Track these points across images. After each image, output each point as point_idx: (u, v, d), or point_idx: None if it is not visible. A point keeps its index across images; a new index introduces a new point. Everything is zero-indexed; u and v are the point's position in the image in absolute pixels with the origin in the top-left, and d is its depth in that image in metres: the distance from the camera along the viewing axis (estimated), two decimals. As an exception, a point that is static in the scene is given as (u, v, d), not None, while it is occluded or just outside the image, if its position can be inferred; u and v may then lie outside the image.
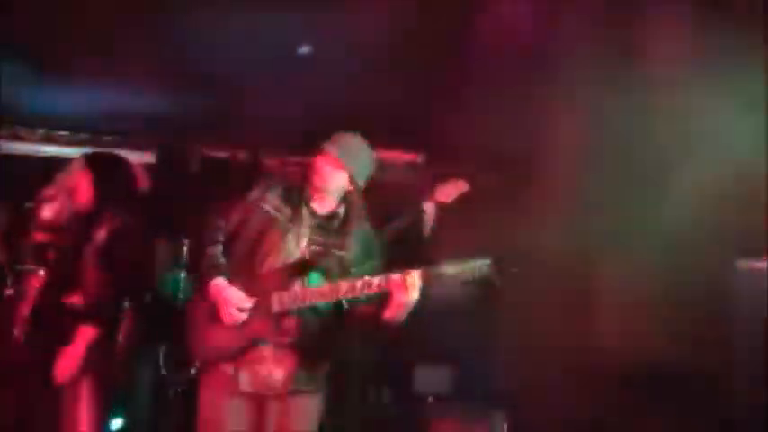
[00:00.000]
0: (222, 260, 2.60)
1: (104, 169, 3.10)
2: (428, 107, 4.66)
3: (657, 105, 3.65)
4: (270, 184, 2.68)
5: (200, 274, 2.59)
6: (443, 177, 3.56)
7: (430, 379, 4.73)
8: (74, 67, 4.65)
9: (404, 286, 2.34)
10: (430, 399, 4.64)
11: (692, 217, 3.52)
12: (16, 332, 2.91)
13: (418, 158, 5.84)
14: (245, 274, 2.57)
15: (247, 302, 2.51)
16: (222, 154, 6.00)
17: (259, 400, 2.56)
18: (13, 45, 4.33)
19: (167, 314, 4.51)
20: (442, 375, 4.76)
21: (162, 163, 5.92)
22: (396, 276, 2.37)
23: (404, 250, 2.47)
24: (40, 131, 5.86)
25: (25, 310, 2.94)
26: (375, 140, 2.75)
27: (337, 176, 2.61)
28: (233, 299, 2.51)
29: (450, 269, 2.36)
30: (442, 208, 3.57)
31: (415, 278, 2.34)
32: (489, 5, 3.62)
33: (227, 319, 2.51)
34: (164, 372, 2.53)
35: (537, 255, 4.36)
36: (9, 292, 3.08)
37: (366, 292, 2.42)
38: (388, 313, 2.39)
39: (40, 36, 4.17)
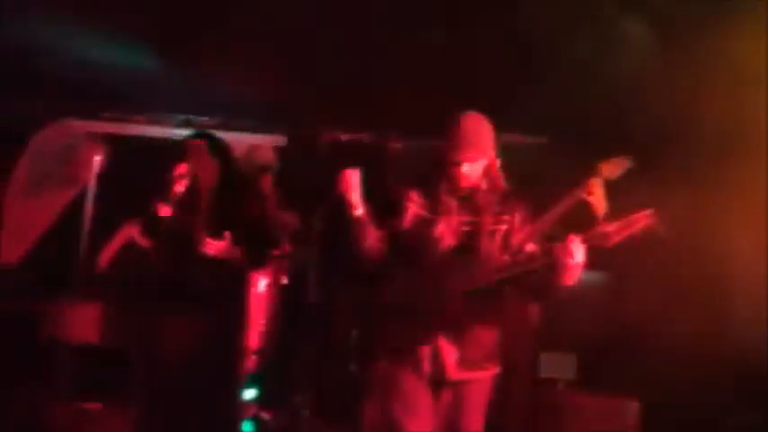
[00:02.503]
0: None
1: (225, 148, 3.26)
2: (552, 89, 4.56)
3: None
4: (407, 186, 2.77)
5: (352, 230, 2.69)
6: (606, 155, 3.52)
7: (556, 365, 4.66)
8: (209, 54, 4.85)
9: (567, 252, 2.37)
10: (560, 385, 4.57)
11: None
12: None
13: (543, 141, 5.72)
14: (411, 272, 2.66)
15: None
16: (350, 137, 6.13)
17: (435, 387, 2.66)
18: (149, 36, 4.59)
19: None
20: (569, 362, 4.67)
21: (292, 147, 6.12)
22: (558, 244, 2.41)
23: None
24: (180, 117, 6.18)
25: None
26: (499, 123, 2.74)
27: (474, 169, 2.64)
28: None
29: (611, 227, 2.39)
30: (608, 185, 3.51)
31: (577, 243, 2.38)
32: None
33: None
34: (354, 369, 2.68)
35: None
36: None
37: (530, 265, 2.48)
38: (556, 280, 2.44)
39: (175, 26, 4.39)
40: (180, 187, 3.00)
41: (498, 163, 2.74)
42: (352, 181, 2.69)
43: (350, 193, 2.68)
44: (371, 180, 6.12)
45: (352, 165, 5.93)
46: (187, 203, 3.08)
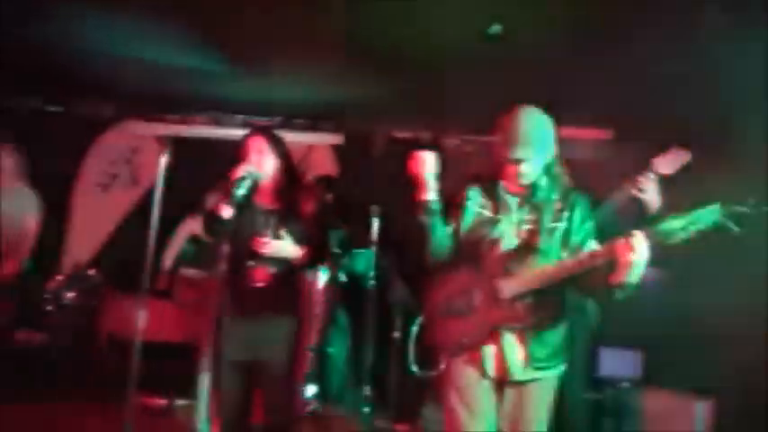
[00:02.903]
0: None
1: (284, 146, 3.27)
2: (616, 83, 4.47)
3: None
4: (466, 185, 2.72)
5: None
6: (663, 149, 3.38)
7: (619, 362, 4.56)
8: (267, 55, 4.91)
9: (630, 249, 2.32)
10: (625, 384, 4.47)
11: None
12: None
13: (607, 135, 5.61)
14: (471, 271, 2.64)
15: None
16: (406, 135, 6.13)
17: (499, 386, 2.65)
18: (211, 39, 4.67)
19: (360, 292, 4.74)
20: (634, 359, 4.56)
21: (349, 145, 6.15)
22: (620, 241, 2.36)
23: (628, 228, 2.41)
24: (239, 117, 6.27)
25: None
26: (563, 119, 2.69)
27: (530, 167, 2.60)
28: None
29: (676, 223, 2.33)
30: (664, 181, 3.38)
31: (640, 239, 2.32)
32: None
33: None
34: (415, 369, 2.67)
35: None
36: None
37: (592, 263, 2.43)
38: (618, 277, 2.38)
39: (235, 29, 4.45)
40: (241, 190, 3.02)
41: (559, 159, 2.69)
42: (427, 161, 2.60)
43: (423, 174, 2.59)
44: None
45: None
46: (247, 203, 3.11)
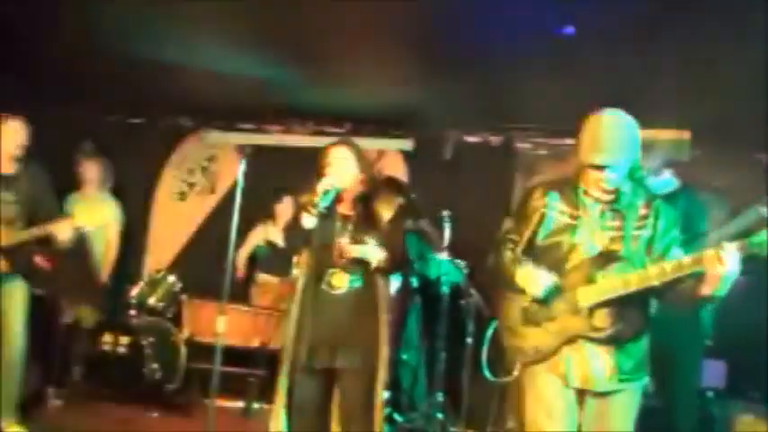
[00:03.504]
0: (522, 257, 2.64)
1: (364, 155, 3.29)
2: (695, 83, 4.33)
3: None
4: (545, 190, 2.65)
5: (506, 275, 2.64)
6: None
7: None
8: (336, 63, 4.96)
9: (719, 260, 2.21)
10: (710, 393, 4.31)
11: None
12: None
13: (685, 136, 5.42)
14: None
15: (552, 278, 2.53)
16: (476, 139, 6.09)
17: (580, 396, 2.58)
18: (282, 49, 4.76)
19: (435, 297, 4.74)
20: (717, 369, 4.40)
21: (420, 150, 6.14)
22: (709, 252, 2.24)
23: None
24: (310, 124, 6.35)
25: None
26: (640, 120, 2.61)
27: (616, 173, 2.51)
28: (540, 276, 2.54)
29: None
30: None
31: (731, 250, 2.20)
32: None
33: (536, 293, 2.54)
34: (488, 375, 2.63)
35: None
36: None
37: (677, 273, 2.32)
38: (706, 290, 2.28)
39: (305, 37, 4.51)
40: (325, 202, 3.05)
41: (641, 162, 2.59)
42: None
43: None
44: (500, 183, 6.02)
45: (480, 167, 5.89)
46: (329, 213, 3.14)
